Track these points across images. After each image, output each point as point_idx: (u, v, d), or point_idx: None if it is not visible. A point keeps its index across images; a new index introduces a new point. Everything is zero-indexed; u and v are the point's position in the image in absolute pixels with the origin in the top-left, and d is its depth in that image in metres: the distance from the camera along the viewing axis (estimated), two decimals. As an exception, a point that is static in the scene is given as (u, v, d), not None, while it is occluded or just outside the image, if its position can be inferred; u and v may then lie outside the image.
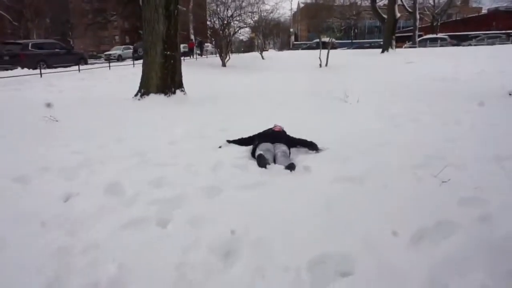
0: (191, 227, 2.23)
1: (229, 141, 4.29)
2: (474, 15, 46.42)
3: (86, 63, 19.54)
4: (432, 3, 41.26)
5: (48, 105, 6.18)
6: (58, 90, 10.49)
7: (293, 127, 4.97)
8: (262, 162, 3.39)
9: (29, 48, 16.04)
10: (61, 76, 12.96)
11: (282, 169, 3.28)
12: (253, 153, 3.81)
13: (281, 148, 3.72)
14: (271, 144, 3.82)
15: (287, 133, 4.41)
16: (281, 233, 2.13)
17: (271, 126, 4.52)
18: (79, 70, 14.55)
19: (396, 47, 24.85)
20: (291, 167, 3.29)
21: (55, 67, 15.64)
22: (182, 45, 32.10)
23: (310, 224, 2.23)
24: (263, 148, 3.72)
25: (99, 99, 8.50)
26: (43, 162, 3.49)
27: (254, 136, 4.19)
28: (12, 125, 5.35)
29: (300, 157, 3.82)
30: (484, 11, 48.07)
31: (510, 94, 7.56)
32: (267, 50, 37.03)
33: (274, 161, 3.57)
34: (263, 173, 3.22)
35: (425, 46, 29.42)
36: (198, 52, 28.86)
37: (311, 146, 3.98)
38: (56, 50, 17.55)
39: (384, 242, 2.02)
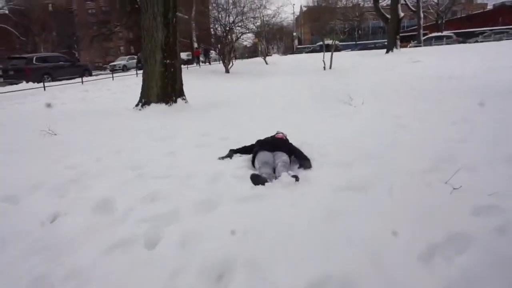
0: (181, 247, 2.07)
1: (232, 150, 4.13)
2: (479, 11, 45.83)
3: (90, 75, 19.66)
4: (436, 1, 40.84)
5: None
6: (61, 103, 10.47)
7: (297, 132, 4.82)
8: (256, 182, 3.11)
9: (34, 62, 16.15)
10: (65, 89, 12.98)
11: (286, 177, 3.05)
12: (252, 161, 3.65)
13: (282, 157, 3.51)
14: (270, 154, 3.61)
15: (290, 141, 4.24)
16: (279, 252, 1.95)
17: (273, 133, 4.36)
18: (82, 82, 14.57)
19: (401, 46, 24.56)
20: (296, 177, 3.09)
21: (60, 80, 15.73)
22: (185, 53, 32.55)
23: (310, 241, 2.05)
24: (261, 159, 3.52)
25: (100, 111, 8.43)
26: (35, 179, 3.36)
27: (255, 143, 4.03)
28: (9, 139, 5.26)
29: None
30: (489, 6, 47.44)
31: (520, 90, 7.31)
32: (270, 55, 36.95)
33: (274, 171, 3.40)
34: (262, 184, 3.05)
35: (430, 45, 29.04)
36: (202, 59, 28.94)
37: (304, 163, 3.62)
38: (61, 62, 17.67)
39: (391, 260, 1.84)
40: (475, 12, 45.84)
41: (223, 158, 3.97)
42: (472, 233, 2.03)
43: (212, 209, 2.59)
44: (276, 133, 4.35)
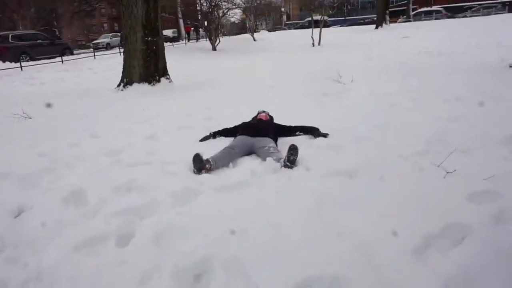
0: (156, 244, 1.89)
1: (213, 133, 3.90)
2: (469, -15, 45.25)
3: (71, 54, 18.92)
4: (425, -25, 40.08)
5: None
6: (39, 83, 10.04)
7: (285, 113, 4.62)
8: (195, 164, 2.89)
9: (10, 40, 15.39)
10: (43, 68, 12.44)
11: (279, 167, 2.84)
12: None
13: (269, 144, 3.25)
14: (248, 138, 3.36)
15: (275, 120, 4.05)
16: (263, 249, 1.79)
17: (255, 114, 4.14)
18: (62, 61, 13.98)
19: (390, 22, 24.19)
20: (291, 162, 2.83)
21: (39, 59, 15.06)
22: (171, 30, 31.60)
23: (297, 235, 1.89)
24: (232, 143, 3.32)
25: (80, 92, 8.06)
26: (3, 167, 3.13)
27: (239, 126, 3.82)
28: (-21, 124, 4.96)
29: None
30: (479, -20, 46.84)
31: (510, 66, 7.18)
32: (259, 31, 36.12)
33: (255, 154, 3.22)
34: (247, 171, 2.87)
35: (420, 20, 28.67)
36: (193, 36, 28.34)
37: (314, 132, 3.66)
38: (39, 41, 16.88)
39: (384, 255, 1.70)
40: (465, -14, 45.23)
41: (203, 139, 3.79)
42: (468, 222, 1.90)
43: (191, 199, 2.40)
44: (258, 113, 4.11)
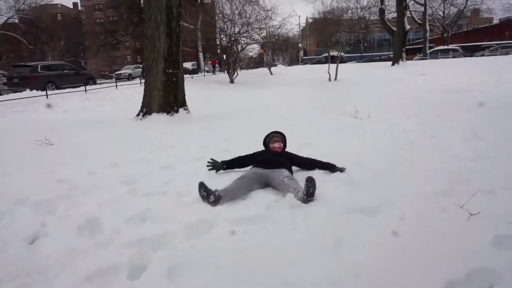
0: (168, 278, 1.85)
1: (224, 162, 3.85)
2: (485, 25, 45.70)
3: (94, 83, 19.69)
4: (442, 14, 40.82)
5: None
6: (62, 111, 10.40)
7: (301, 146, 4.62)
8: (204, 194, 2.90)
9: (38, 70, 16.18)
10: (67, 97, 12.92)
11: (297, 202, 2.78)
12: None
13: (284, 173, 3.22)
14: (263, 170, 3.33)
15: (287, 149, 4.02)
16: (277, 287, 1.73)
17: (268, 135, 4.04)
18: (85, 90, 14.52)
19: (407, 59, 24.43)
20: (310, 195, 2.77)
21: (64, 88, 15.70)
22: (190, 63, 32.68)
23: (312, 274, 1.82)
24: (247, 175, 3.27)
25: (100, 120, 8.30)
26: (22, 193, 3.17)
27: (254, 155, 3.80)
28: (1, 149, 5.10)
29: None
30: (495, 21, 47.32)
31: (532, 106, 7.07)
32: (276, 66, 36.96)
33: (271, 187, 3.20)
34: (262, 204, 2.83)
35: (436, 58, 28.87)
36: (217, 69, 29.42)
37: (330, 168, 3.61)
38: (65, 71, 17.69)
39: (405, 301, 1.61)
40: (481, 26, 45.69)
41: (213, 168, 3.78)
42: (495, 267, 1.80)
43: (205, 232, 2.37)
44: (271, 139, 3.93)
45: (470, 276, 1.75)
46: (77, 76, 18.25)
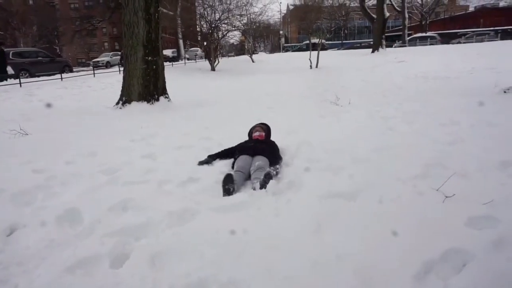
0: (151, 266, 1.84)
1: (210, 156, 3.84)
2: (461, 13, 46.63)
3: (71, 71, 19.08)
4: (420, 2, 41.35)
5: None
6: (37, 100, 10.04)
7: (284, 134, 4.64)
8: (226, 188, 2.86)
9: (10, 57, 15.51)
10: (42, 85, 12.48)
11: (254, 191, 2.85)
12: (232, 166, 3.43)
13: (256, 163, 3.25)
14: (249, 158, 3.39)
15: (272, 135, 4.03)
16: (260, 272, 1.76)
17: (252, 128, 4.10)
18: (61, 78, 14.06)
19: (386, 46, 24.71)
20: (262, 185, 2.87)
21: (38, 76, 15.15)
22: (171, 50, 32.03)
23: (296, 259, 1.86)
24: (239, 165, 3.30)
25: (78, 109, 8.08)
26: (-3, 184, 3.08)
27: (235, 147, 3.80)
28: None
29: (288, 168, 3.46)
30: (471, 8, 48.34)
31: (504, 92, 7.31)
32: (257, 53, 36.74)
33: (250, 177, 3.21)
34: (244, 191, 2.86)
35: (415, 45, 29.35)
36: None
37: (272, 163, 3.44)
38: (39, 58, 17.04)
39: (383, 280, 1.66)
40: (457, 13, 46.59)
41: (202, 163, 3.71)
42: (469, 248, 1.88)
43: (188, 220, 2.37)
44: (254, 128, 4.05)
45: (445, 255, 1.83)
46: (53, 63, 17.60)
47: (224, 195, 2.84)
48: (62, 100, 9.80)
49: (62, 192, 2.97)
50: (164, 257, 1.92)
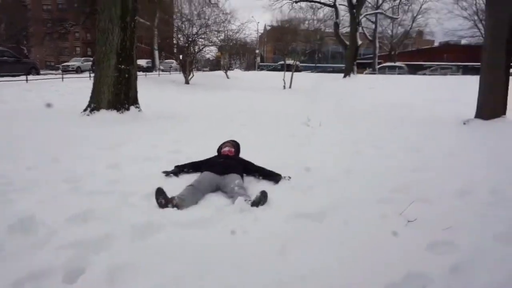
0: (109, 282, 1.75)
1: (177, 166, 3.80)
2: (427, 47, 49.47)
3: (38, 74, 18.32)
4: (390, 33, 43.55)
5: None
6: (0, 101, 9.55)
7: (255, 152, 4.63)
8: (158, 201, 2.80)
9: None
10: (5, 86, 11.90)
11: (241, 202, 2.80)
12: None
13: (235, 181, 3.22)
14: (217, 177, 3.32)
15: (241, 152, 4.03)
16: (223, 291, 1.71)
17: (221, 144, 4.08)
18: (27, 80, 13.47)
19: (357, 72, 25.68)
20: (258, 202, 2.86)
21: (1, 76, 14.43)
22: (145, 60, 31.61)
23: (260, 278, 1.83)
24: (199, 179, 3.23)
25: (43, 113, 7.74)
26: None
27: (204, 161, 3.76)
28: None
29: (257, 186, 3.45)
30: (436, 43, 51.44)
31: (464, 123, 7.74)
32: (232, 70, 37.04)
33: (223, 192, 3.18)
34: (212, 208, 2.81)
35: (384, 73, 30.66)
36: None
37: (272, 177, 3.55)
38: (4, 57, 16.28)
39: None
40: (424, 47, 49.39)
41: (167, 173, 3.63)
42: (429, 271, 1.93)
43: (151, 234, 2.29)
44: (223, 145, 4.03)
45: (407, 279, 1.86)
46: (18, 64, 16.84)
47: (159, 207, 2.79)
48: (26, 103, 9.38)
49: (18, 199, 2.79)
50: (123, 272, 1.83)
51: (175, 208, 2.75)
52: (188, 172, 3.72)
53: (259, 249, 2.14)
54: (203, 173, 3.40)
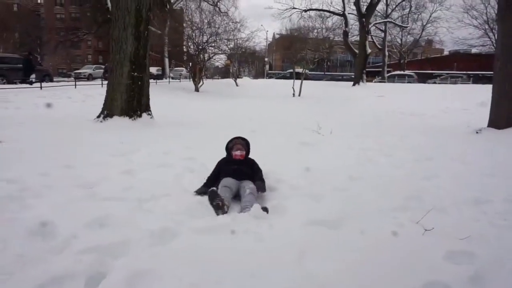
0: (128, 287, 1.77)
1: (205, 186, 3.49)
2: (437, 55, 49.25)
3: (51, 81, 18.69)
4: (400, 42, 43.46)
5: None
6: (14, 107, 9.74)
7: (265, 159, 4.64)
8: (215, 204, 2.89)
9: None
10: (20, 92, 12.14)
11: (257, 209, 2.80)
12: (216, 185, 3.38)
13: (249, 185, 3.29)
14: (235, 181, 3.39)
15: (255, 158, 4.01)
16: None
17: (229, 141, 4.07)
18: (41, 87, 13.73)
19: (367, 81, 25.66)
20: (266, 209, 2.90)
21: (15, 83, 14.77)
22: (155, 68, 32.00)
23: (277, 286, 1.83)
24: (223, 183, 3.29)
25: (56, 119, 7.87)
26: (-35, 192, 2.93)
27: (219, 165, 3.77)
28: None
29: (271, 193, 3.46)
30: (446, 52, 51.16)
31: (476, 132, 7.67)
32: (241, 78, 37.27)
33: (235, 196, 3.22)
34: (229, 212, 2.83)
35: (393, 82, 30.59)
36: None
37: (259, 187, 3.41)
38: (19, 65, 16.65)
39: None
40: (434, 56, 49.19)
41: (198, 193, 3.38)
42: (447, 281, 1.91)
43: (168, 240, 2.30)
44: (233, 143, 3.97)
45: (426, 288, 1.85)
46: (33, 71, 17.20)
47: (217, 213, 2.85)
48: (40, 110, 9.54)
49: (34, 204, 2.83)
50: (142, 278, 1.85)
51: (224, 215, 2.84)
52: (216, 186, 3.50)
53: (276, 256, 2.14)
54: (225, 178, 3.41)
